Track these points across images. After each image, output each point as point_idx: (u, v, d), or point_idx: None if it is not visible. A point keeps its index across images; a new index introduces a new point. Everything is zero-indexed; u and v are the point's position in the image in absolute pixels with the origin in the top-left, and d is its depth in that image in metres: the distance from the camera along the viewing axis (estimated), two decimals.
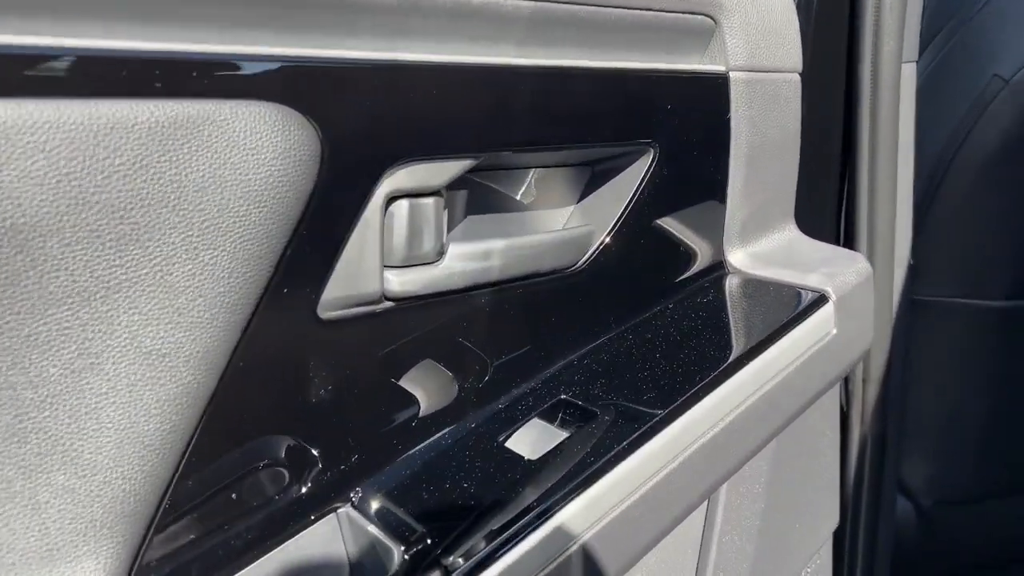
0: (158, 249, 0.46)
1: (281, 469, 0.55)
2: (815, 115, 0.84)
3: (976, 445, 1.39)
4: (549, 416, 0.63)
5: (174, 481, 0.50)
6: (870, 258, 0.97)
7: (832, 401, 0.91)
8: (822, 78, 0.88)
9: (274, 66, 0.49)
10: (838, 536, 1.08)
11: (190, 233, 0.46)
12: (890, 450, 1.14)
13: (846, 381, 1.07)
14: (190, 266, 0.47)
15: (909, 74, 0.96)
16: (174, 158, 0.45)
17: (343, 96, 0.52)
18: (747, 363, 0.67)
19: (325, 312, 0.54)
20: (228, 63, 0.47)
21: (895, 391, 1.11)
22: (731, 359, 0.67)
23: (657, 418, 0.61)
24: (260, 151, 0.48)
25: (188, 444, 0.50)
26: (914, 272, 1.08)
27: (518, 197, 0.70)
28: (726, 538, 0.76)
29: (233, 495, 0.53)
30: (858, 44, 0.93)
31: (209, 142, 0.46)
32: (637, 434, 0.60)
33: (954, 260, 1.26)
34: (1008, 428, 1.39)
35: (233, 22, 0.48)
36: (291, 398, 0.54)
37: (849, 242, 1.00)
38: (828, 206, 1.00)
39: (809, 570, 0.91)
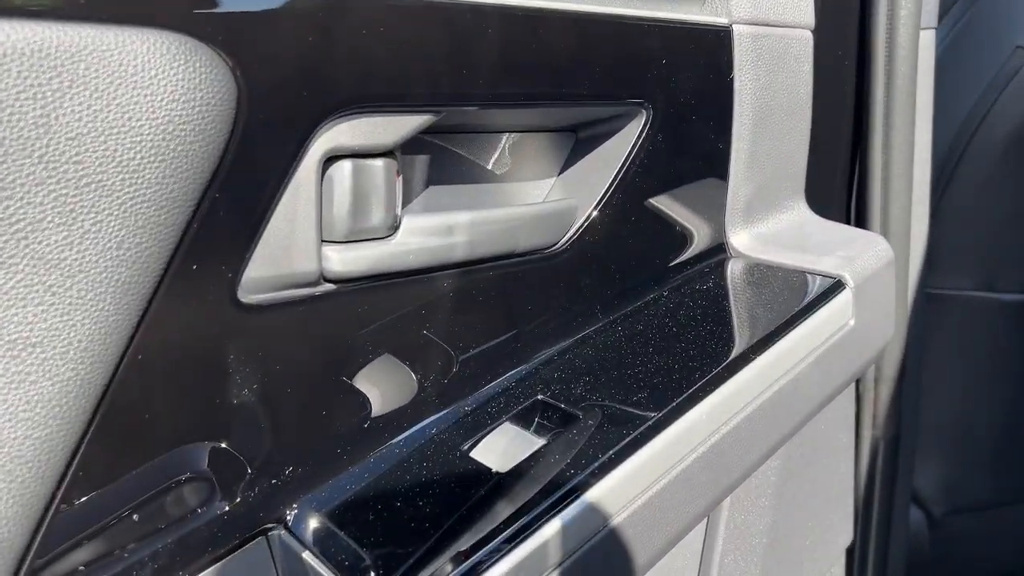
0: (20, 211, 0.36)
1: (199, 484, 0.46)
2: (824, 81, 0.75)
3: (991, 450, 1.30)
4: (523, 420, 0.53)
5: (56, 501, 0.41)
6: (884, 233, 0.88)
7: (846, 403, 0.82)
8: (832, 40, 0.79)
9: None
10: (849, 551, 0.98)
11: (64, 192, 0.37)
12: (904, 457, 1.04)
13: (857, 381, 0.98)
14: (65, 233, 0.37)
15: (928, 41, 0.87)
16: (39, 95, 0.36)
17: (267, 29, 0.42)
18: (753, 359, 0.57)
19: (247, 295, 0.45)
20: None
21: (910, 392, 1.01)
22: (735, 355, 0.58)
23: (649, 423, 0.52)
24: (156, 90, 0.38)
25: (73, 455, 0.41)
26: (928, 262, 0.99)
27: (489, 166, 0.60)
28: (728, 559, 0.67)
29: (136, 517, 0.43)
30: (872, 3, 0.84)
31: (87, 77, 0.37)
32: (626, 441, 0.50)
33: (968, 249, 1.17)
34: (1019, 433, 1.30)
35: None
36: (208, 398, 0.45)
37: (860, 225, 0.91)
38: (837, 184, 0.91)
39: None
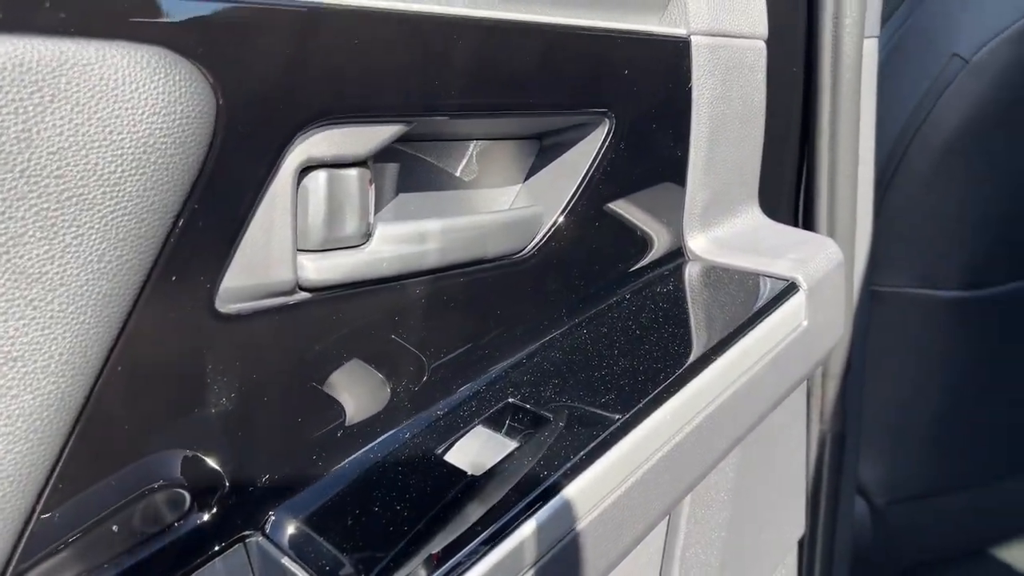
0: (2, 226, 0.36)
1: (178, 492, 0.46)
2: (773, 88, 0.77)
3: (930, 441, 1.35)
4: (495, 423, 0.55)
5: (36, 514, 0.41)
6: (830, 235, 0.91)
7: (798, 400, 0.85)
8: (781, 49, 0.82)
9: (151, 1, 0.40)
10: (801, 542, 1.02)
11: (45, 206, 0.37)
12: (849, 450, 1.08)
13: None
14: (46, 247, 0.37)
15: (871, 49, 0.91)
16: (20, 110, 0.36)
17: (246, 42, 0.42)
18: (713, 360, 0.60)
19: (225, 304, 0.45)
20: None
21: (854, 388, 1.05)
22: (696, 357, 0.60)
23: (617, 424, 0.53)
24: (137, 104, 0.38)
25: (53, 468, 0.41)
26: (872, 261, 1.03)
27: (457, 173, 0.61)
28: (689, 552, 0.69)
29: (115, 526, 0.44)
30: (818, 15, 0.87)
31: (68, 91, 0.37)
32: (596, 443, 0.52)
33: (910, 248, 1.21)
34: (961, 422, 1.35)
35: None
36: (187, 408, 0.45)
37: (808, 226, 0.94)
38: (786, 187, 0.94)
39: None
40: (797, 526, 0.89)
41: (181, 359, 0.44)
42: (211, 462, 0.47)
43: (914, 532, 1.41)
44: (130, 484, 0.44)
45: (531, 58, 0.56)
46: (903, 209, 1.18)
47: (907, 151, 1.13)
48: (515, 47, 0.55)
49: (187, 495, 0.46)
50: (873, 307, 1.21)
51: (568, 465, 0.50)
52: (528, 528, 0.48)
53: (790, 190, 0.92)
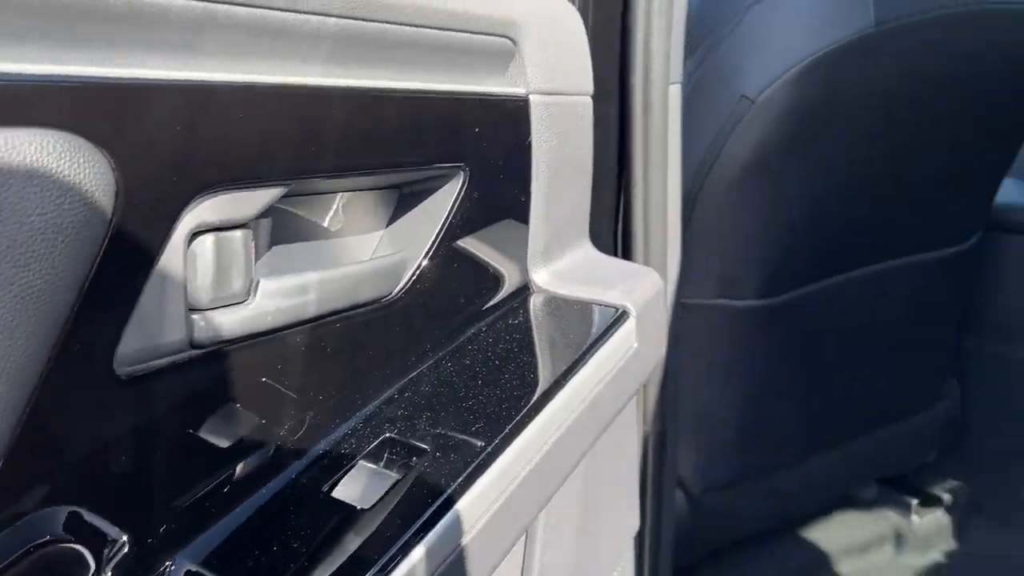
0: None
1: (74, 547, 0.47)
2: (595, 135, 0.87)
3: (736, 433, 1.52)
4: (375, 458, 0.59)
5: None
6: (646, 263, 1.03)
7: (630, 408, 0.95)
8: (601, 101, 0.92)
9: (54, 88, 0.42)
10: (637, 536, 1.13)
11: None
12: (670, 448, 1.21)
13: None
14: None
15: (675, 94, 1.03)
16: None
17: (139, 121, 0.45)
18: (563, 385, 0.67)
19: (122, 367, 0.47)
20: None
21: (670, 392, 1.18)
22: (548, 383, 0.67)
23: (489, 449, 0.60)
24: (43, 189, 0.40)
25: None
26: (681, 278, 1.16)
27: (326, 224, 0.66)
28: (547, 557, 0.77)
29: None
30: (629, 66, 0.98)
31: None
32: (470, 469, 0.58)
33: (710, 264, 1.37)
34: (762, 415, 1.53)
35: (5, 35, 0.40)
36: (88, 468, 0.47)
37: (626, 254, 1.05)
38: (606, 221, 1.05)
39: (616, 574, 0.94)
40: (634, 521, 1.00)
41: (82, 423, 0.46)
42: (109, 517, 0.48)
43: (726, 516, 1.58)
44: (22, 539, 0.45)
45: (394, 121, 0.62)
46: (704, 231, 1.33)
47: (705, 182, 1.29)
48: (380, 112, 0.60)
49: (85, 550, 0.47)
50: (683, 318, 1.35)
51: (447, 492, 0.56)
52: (417, 553, 0.53)
53: (610, 223, 1.02)
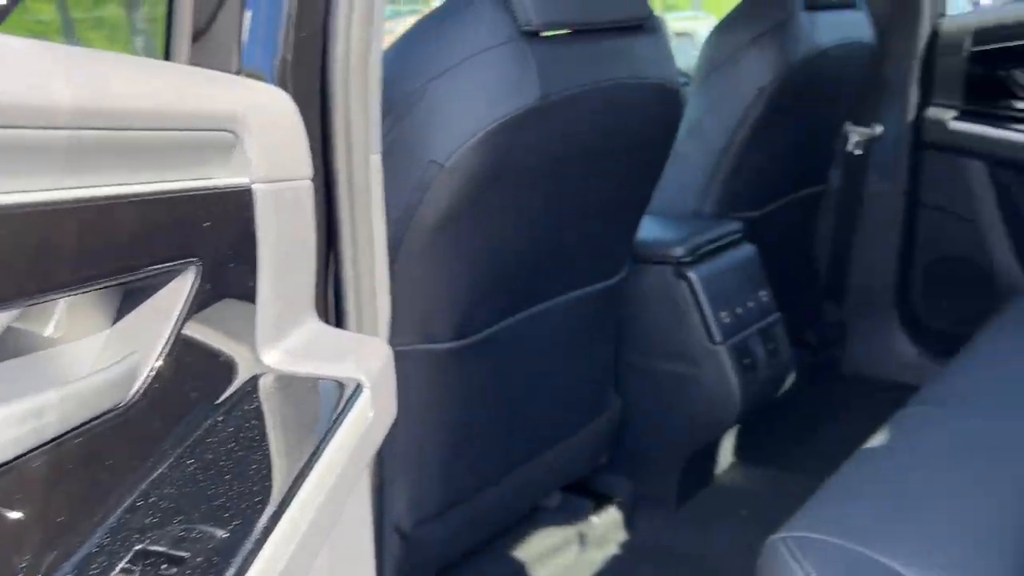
0: None
1: None
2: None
3: (441, 466, 1.62)
4: (131, 575, 0.58)
5: None
6: (359, 327, 1.07)
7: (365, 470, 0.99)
8: (317, 181, 0.95)
9: None
10: None
11: None
12: (386, 493, 1.27)
13: None
14: None
15: (376, 163, 1.09)
16: None
17: None
18: (312, 465, 0.70)
19: None
20: None
21: (387, 441, 1.23)
22: (295, 468, 0.69)
23: (248, 548, 0.61)
24: None
25: None
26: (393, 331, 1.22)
27: (47, 334, 0.62)
28: None
29: None
30: (331, 139, 1.02)
31: None
32: (235, 570, 0.59)
33: (413, 313, 1.45)
34: (460, 447, 1.65)
35: None
36: None
37: (340, 320, 1.09)
38: (320, 291, 1.07)
39: None
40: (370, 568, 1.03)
41: None
42: None
43: (438, 543, 1.67)
44: None
45: (126, 226, 0.60)
46: (405, 284, 1.41)
47: (402, 242, 1.37)
48: (110, 219, 0.59)
49: None
50: (397, 366, 1.42)
51: None
52: None
53: (322, 294, 1.06)
